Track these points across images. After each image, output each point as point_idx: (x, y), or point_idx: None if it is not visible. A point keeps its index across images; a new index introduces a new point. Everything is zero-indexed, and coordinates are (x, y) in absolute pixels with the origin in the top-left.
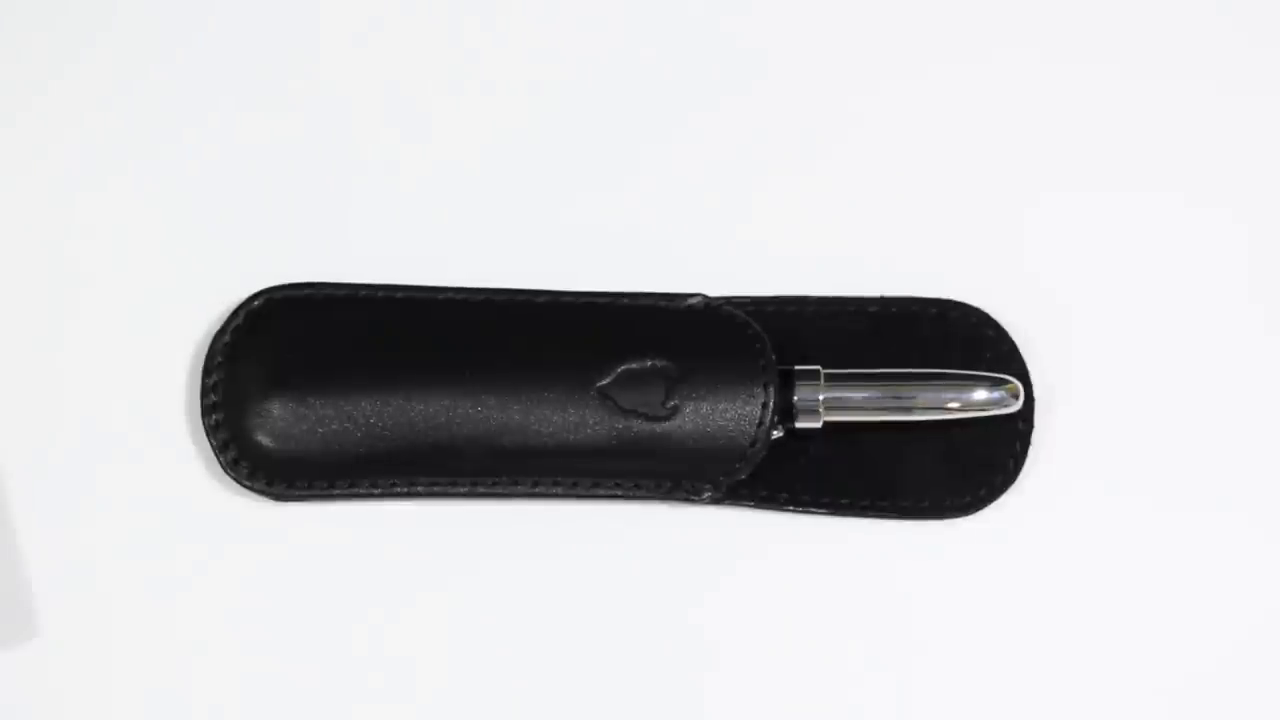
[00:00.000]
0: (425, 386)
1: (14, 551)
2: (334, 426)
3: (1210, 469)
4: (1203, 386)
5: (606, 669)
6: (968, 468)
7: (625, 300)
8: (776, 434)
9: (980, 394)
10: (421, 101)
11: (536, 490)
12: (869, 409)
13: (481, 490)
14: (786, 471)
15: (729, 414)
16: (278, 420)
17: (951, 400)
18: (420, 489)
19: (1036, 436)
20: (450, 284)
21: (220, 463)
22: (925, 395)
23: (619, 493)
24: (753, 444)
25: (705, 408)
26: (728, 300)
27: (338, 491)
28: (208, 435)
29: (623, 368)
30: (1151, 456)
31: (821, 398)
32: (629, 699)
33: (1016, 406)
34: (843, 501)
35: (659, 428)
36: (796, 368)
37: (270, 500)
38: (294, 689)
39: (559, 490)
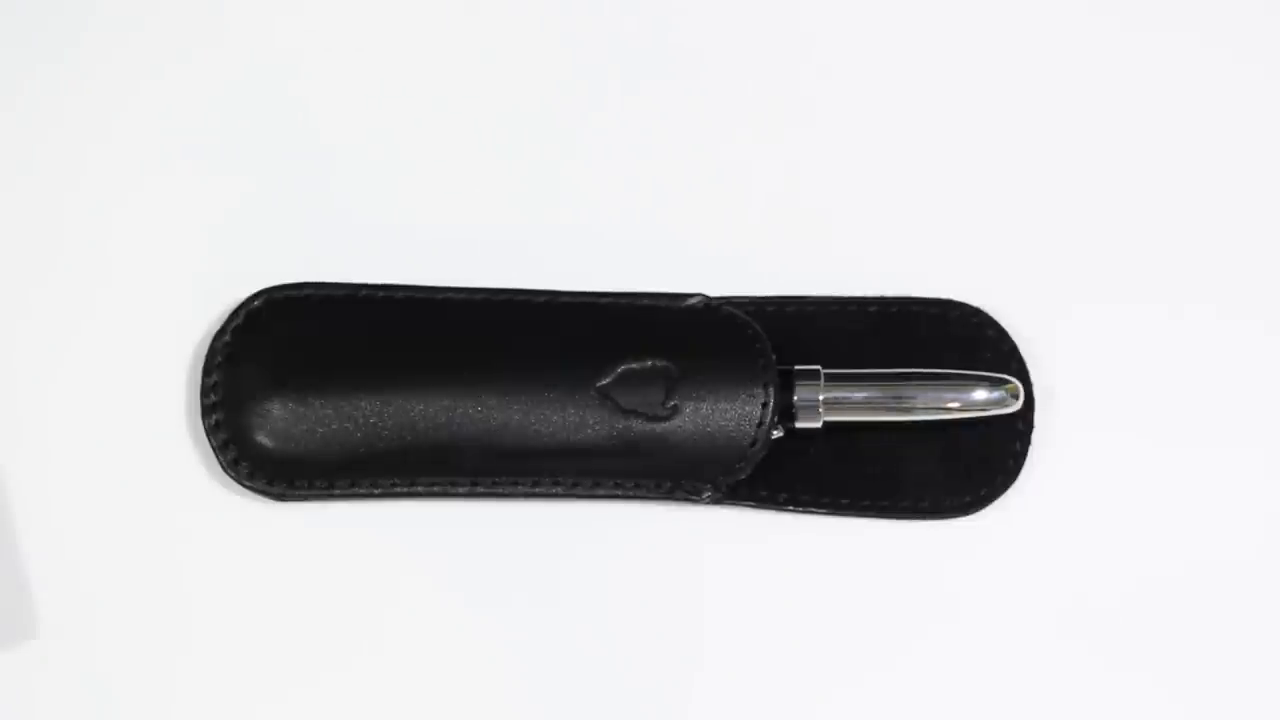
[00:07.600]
0: (425, 386)
1: (14, 551)
2: (334, 426)
3: (1209, 469)
4: (1202, 386)
5: (606, 668)
6: (968, 468)
7: (625, 300)
8: (776, 434)
9: (980, 394)
10: (421, 101)
11: (536, 490)
12: (869, 409)
13: (481, 490)
14: (786, 471)
15: (729, 414)
16: (278, 420)
17: (951, 400)
18: (420, 489)
19: (1036, 436)
20: (450, 284)
21: (220, 463)
22: (925, 395)
23: (619, 493)
24: (753, 444)
25: (705, 408)
26: (728, 300)
27: (338, 491)
28: (208, 435)
29: (623, 368)
30: (1151, 456)
31: (821, 398)
32: (628, 698)
33: (1016, 406)
34: (843, 501)
35: (659, 428)
36: (796, 368)
37: (270, 500)
38: (294, 688)
39: (559, 490)
